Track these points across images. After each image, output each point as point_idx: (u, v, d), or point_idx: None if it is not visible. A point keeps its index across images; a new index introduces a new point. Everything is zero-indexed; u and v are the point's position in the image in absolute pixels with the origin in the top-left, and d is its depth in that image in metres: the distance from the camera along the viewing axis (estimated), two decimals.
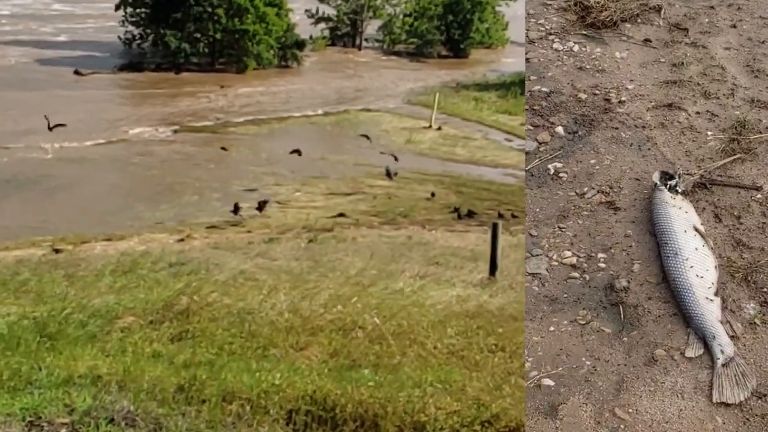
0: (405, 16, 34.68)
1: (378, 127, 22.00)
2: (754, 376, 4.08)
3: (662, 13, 7.69)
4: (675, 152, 5.76)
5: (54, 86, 24.21)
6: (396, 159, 18.11)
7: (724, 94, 6.46)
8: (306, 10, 33.61)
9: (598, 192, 5.35)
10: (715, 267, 4.65)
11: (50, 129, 18.57)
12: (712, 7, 7.93)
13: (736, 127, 5.97)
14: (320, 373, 4.67)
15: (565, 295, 4.54)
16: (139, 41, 29.16)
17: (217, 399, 4.08)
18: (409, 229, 14.03)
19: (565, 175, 5.51)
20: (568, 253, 4.84)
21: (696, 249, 4.70)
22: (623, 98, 6.38)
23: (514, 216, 14.85)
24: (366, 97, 25.97)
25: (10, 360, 5.17)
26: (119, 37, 29.26)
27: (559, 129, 6.00)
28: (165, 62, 27.67)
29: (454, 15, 34.11)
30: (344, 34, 34.58)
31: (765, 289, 4.59)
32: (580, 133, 5.95)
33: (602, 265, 4.77)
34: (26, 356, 5.32)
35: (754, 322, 4.38)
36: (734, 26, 7.56)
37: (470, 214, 14.92)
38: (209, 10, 27.25)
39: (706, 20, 7.67)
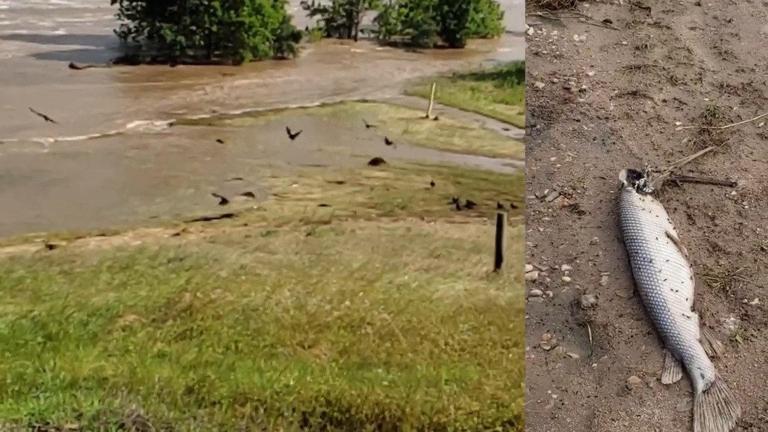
0: (400, 6, 34.58)
1: (375, 117, 21.84)
2: (738, 403, 3.69)
3: None
4: (642, 146, 5.31)
5: (49, 80, 23.93)
6: (388, 143, 17.93)
7: (691, 80, 6.00)
8: (302, 2, 33.44)
9: (560, 194, 4.87)
10: (691, 278, 4.24)
11: (47, 119, 18.34)
12: None
13: (705, 116, 5.55)
14: (332, 372, 4.55)
15: (527, 317, 4.12)
16: (134, 34, 28.89)
17: (228, 401, 3.97)
18: (408, 220, 13.92)
19: (524, 176, 5.15)
20: (529, 267, 4.41)
21: (668, 260, 4.28)
22: (584, 86, 5.88)
23: (513, 206, 14.74)
24: (362, 88, 25.78)
25: (13, 362, 5.05)
26: (115, 31, 28.97)
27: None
28: (160, 55, 27.42)
29: (449, 5, 33.99)
30: (340, 25, 34.41)
31: (745, 300, 4.18)
32: (538, 126, 5.48)
33: (567, 278, 4.32)
34: (29, 358, 5.19)
35: (735, 339, 3.99)
36: (698, 4, 7.06)
37: (469, 204, 14.81)
38: (205, 2, 27.01)
39: None
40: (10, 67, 25.11)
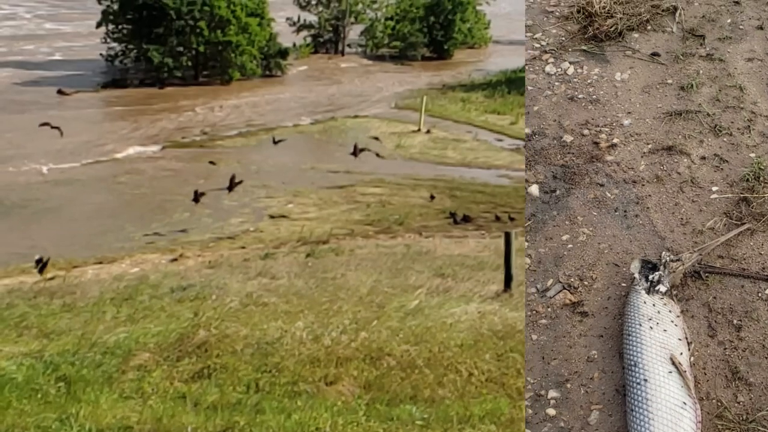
0: (387, 19, 34.58)
1: (366, 133, 21.85)
2: None
3: (677, 15, 6.46)
4: (668, 220, 4.61)
5: (39, 107, 23.74)
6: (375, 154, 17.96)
7: (738, 128, 5.29)
8: (287, 18, 33.36)
9: (564, 288, 4.24)
10: (696, 424, 3.40)
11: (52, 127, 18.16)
12: (736, 2, 6.63)
13: (748, 179, 4.79)
14: (361, 411, 4.49)
15: None
16: (121, 57, 28.78)
17: None
18: (406, 237, 13.91)
19: (530, 260, 4.47)
20: None
21: (668, 400, 3.46)
22: (615, 140, 5.31)
23: (511, 218, 14.78)
24: (352, 103, 25.81)
25: (31, 411, 4.95)
26: (101, 54, 28.85)
27: (534, 189, 4.95)
28: (148, 78, 27.32)
29: (435, 16, 34.05)
30: (327, 40, 34.42)
31: None
32: (558, 192, 4.90)
33: (551, 411, 3.64)
34: (48, 406, 5.10)
35: None
36: (761, 27, 6.28)
37: (466, 218, 14.82)
38: (191, 23, 26.95)
39: (728, 21, 6.42)
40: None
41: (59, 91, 25.42)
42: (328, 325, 6.60)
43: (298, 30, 33.65)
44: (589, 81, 5.91)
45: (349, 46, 34.52)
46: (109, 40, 28.74)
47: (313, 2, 34.02)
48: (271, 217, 15.63)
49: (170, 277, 10.79)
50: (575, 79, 5.94)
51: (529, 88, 5.92)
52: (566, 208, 4.80)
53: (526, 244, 4.54)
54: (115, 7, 28.20)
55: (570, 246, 4.52)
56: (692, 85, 5.79)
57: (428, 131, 21.81)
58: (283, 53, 29.61)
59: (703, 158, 5.12)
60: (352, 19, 34.25)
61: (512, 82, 26.73)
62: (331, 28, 34.20)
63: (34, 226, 14.89)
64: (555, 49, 6.29)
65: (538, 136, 5.41)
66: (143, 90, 26.59)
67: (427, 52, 34.54)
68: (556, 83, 5.93)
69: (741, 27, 6.39)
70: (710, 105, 5.57)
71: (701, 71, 5.93)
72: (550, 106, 5.68)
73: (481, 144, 20.85)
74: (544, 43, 6.39)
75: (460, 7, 34.18)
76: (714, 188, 4.87)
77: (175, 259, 13.01)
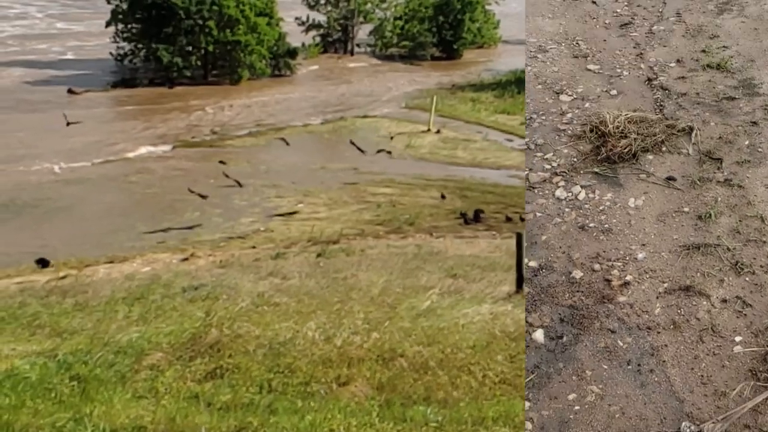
0: (395, 19, 34.41)
1: (376, 133, 21.83)
2: None
3: (693, 136, 6.21)
4: (687, 378, 4.12)
5: (49, 106, 23.87)
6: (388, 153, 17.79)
7: (761, 266, 4.88)
8: (296, 18, 33.34)
9: None
10: None
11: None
12: (754, 123, 6.40)
13: None
14: (374, 412, 4.48)
15: None
16: (131, 57, 28.85)
17: None
18: (417, 237, 13.86)
19: (531, 425, 3.99)
20: None
21: None
22: (628, 277, 4.89)
23: (522, 219, 14.74)
24: (362, 103, 25.79)
25: (45, 411, 4.97)
26: (111, 53, 28.93)
27: (539, 334, 4.54)
28: (158, 77, 27.38)
29: (444, 16, 33.88)
30: (336, 40, 34.35)
31: None
32: (565, 339, 4.45)
33: None
34: (60, 405, 5.12)
35: None
36: None
37: (477, 218, 14.77)
38: (200, 22, 26.96)
39: (746, 143, 6.15)
40: (10, 94, 25.06)
41: (69, 91, 25.54)
42: (340, 326, 6.60)
43: (307, 29, 33.59)
44: (601, 208, 5.61)
45: (358, 45, 34.47)
46: (118, 39, 28.76)
47: (322, 2, 33.95)
48: (281, 216, 15.63)
49: (182, 277, 10.82)
50: (586, 205, 5.64)
51: (538, 214, 5.59)
52: (574, 359, 4.34)
53: (527, 404, 4.08)
54: (124, 6, 28.20)
55: (577, 408, 4.02)
56: (710, 215, 5.43)
57: (438, 131, 21.77)
58: (292, 53, 29.60)
59: (724, 301, 4.69)
60: (361, 19, 34.16)
61: (522, 82, 26.62)
62: (339, 28, 34.11)
63: (46, 225, 14.96)
64: (566, 171, 5.96)
65: (545, 270, 5.01)
66: (153, 89, 26.65)
67: (437, 52, 34.40)
68: (566, 209, 5.63)
69: (759, 150, 6.11)
70: (730, 238, 5.21)
71: (719, 198, 5.61)
72: (559, 236, 5.34)
73: (491, 144, 20.78)
74: (554, 164, 6.08)
75: (469, 7, 33.99)
76: (737, 338, 4.42)
77: (186, 259, 13.01)
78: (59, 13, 38.48)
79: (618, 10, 9.33)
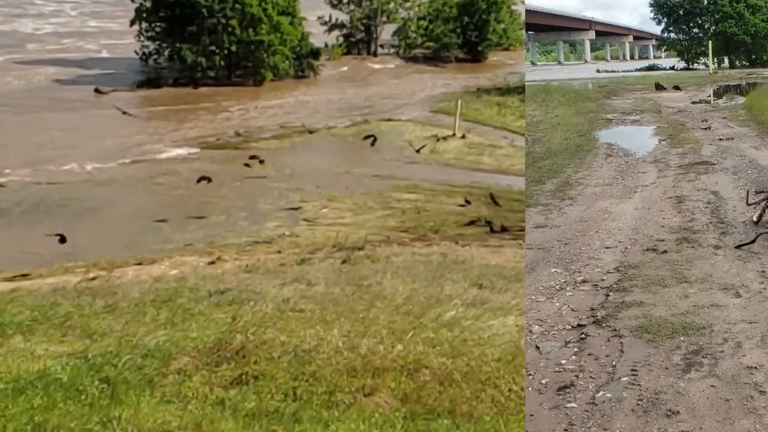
0: (419, 19, 34.00)
1: (400, 137, 21.84)
2: None
3: None
4: None
5: (78, 105, 24.26)
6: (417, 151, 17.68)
7: None
8: (318, 17, 33.26)
9: None
10: None
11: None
12: None
13: None
14: (396, 423, 4.51)
15: None
16: (155, 56, 29.08)
17: None
18: (442, 245, 13.84)
19: None
20: None
21: None
22: None
23: None
24: (385, 106, 25.79)
25: (75, 413, 5.08)
26: (136, 52, 29.21)
27: None
28: (182, 77, 27.61)
29: (469, 16, 33.29)
30: (359, 40, 34.12)
31: None
32: None
33: None
34: (90, 408, 5.23)
35: None
36: None
37: (503, 227, 14.71)
38: (223, 21, 27.08)
39: None
40: (42, 92, 25.50)
41: (96, 90, 25.89)
42: (364, 334, 6.65)
43: (330, 29, 33.36)
44: None
45: (381, 46, 34.28)
46: (142, 38, 28.91)
47: (345, 0, 33.80)
48: (306, 221, 15.71)
49: (208, 280, 10.96)
50: None
51: None
52: None
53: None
54: (148, 4, 28.34)
55: None
56: None
57: (463, 136, 21.70)
58: (315, 53, 29.54)
59: None
60: (384, 18, 33.90)
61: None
62: (363, 28, 33.90)
63: (76, 225, 15.19)
64: None
65: None
66: (177, 90, 26.86)
67: (461, 53, 33.98)
68: None
69: None
70: None
71: None
72: None
73: (517, 150, 20.62)
74: None
75: (495, 7, 33.47)
76: None
77: (213, 262, 13.14)
78: (92, 11, 39.06)
79: None
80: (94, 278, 11.89)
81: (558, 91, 31.88)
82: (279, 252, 13.94)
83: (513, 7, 35.29)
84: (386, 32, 34.49)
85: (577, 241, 9.45)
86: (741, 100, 29.84)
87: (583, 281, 7.58)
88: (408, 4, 34.56)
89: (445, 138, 21.49)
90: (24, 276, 12.06)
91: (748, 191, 11.31)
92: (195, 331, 7.38)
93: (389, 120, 23.89)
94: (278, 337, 6.66)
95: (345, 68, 31.83)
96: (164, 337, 7.18)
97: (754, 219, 10.09)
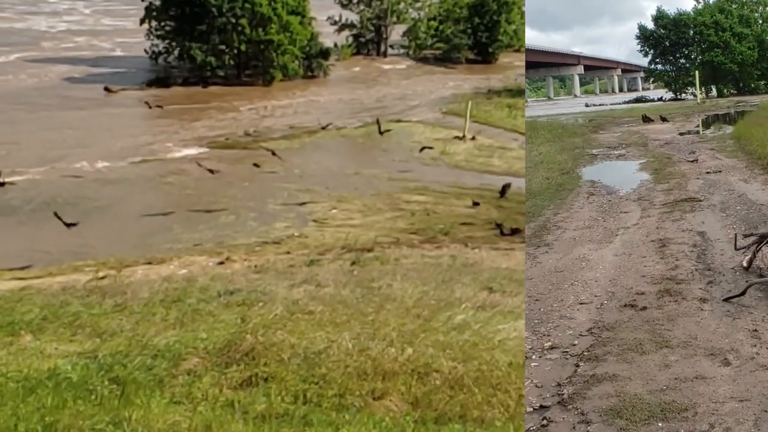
0: (429, 19, 33.86)
1: (410, 138, 21.81)
2: None
3: None
4: None
5: (88, 104, 24.35)
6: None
7: None
8: (328, 17, 33.23)
9: None
10: None
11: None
12: None
13: None
14: (406, 427, 4.49)
15: None
16: (165, 55, 29.13)
17: None
18: (451, 248, 13.80)
19: None
20: None
21: None
22: None
23: None
24: (396, 107, 25.77)
25: (85, 412, 5.08)
26: (145, 50, 29.27)
27: None
28: (192, 76, 27.65)
29: (480, 17, 33.14)
30: (368, 41, 34.06)
31: None
32: None
33: None
34: (100, 408, 5.23)
35: None
36: None
37: (513, 230, 14.65)
38: (233, 20, 27.10)
39: None
40: (52, 90, 25.62)
41: (106, 89, 25.98)
42: (374, 337, 6.63)
43: (340, 29, 33.31)
44: None
45: (391, 47, 34.21)
46: (152, 36, 28.94)
47: (355, 0, 33.76)
48: (315, 222, 15.70)
49: (217, 281, 10.97)
50: None
51: None
52: None
53: None
54: (158, 3, 28.39)
55: None
56: None
57: (473, 138, 21.64)
58: (325, 53, 29.52)
59: None
60: (394, 19, 33.79)
61: None
62: (372, 28, 33.83)
63: (85, 224, 15.23)
64: None
65: None
66: (187, 89, 26.90)
67: (471, 54, 33.83)
68: None
69: None
70: None
71: None
72: None
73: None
74: None
75: (506, 8, 33.30)
76: None
77: (222, 262, 13.14)
78: (105, 9, 39.25)
79: None
80: (103, 277, 11.92)
81: (545, 127, 31.27)
82: (288, 253, 13.93)
83: (524, 8, 35.09)
84: (396, 33, 34.41)
85: (550, 296, 8.41)
86: (729, 129, 29.02)
87: (552, 347, 6.54)
88: (418, 5, 34.46)
89: (459, 138, 21.44)
90: (23, 269, 12.21)
91: (736, 234, 10.33)
92: (204, 332, 7.38)
93: (399, 121, 23.85)
94: (288, 338, 6.64)
95: (356, 69, 31.80)
96: (174, 338, 7.18)
97: (744, 264, 9.13)
